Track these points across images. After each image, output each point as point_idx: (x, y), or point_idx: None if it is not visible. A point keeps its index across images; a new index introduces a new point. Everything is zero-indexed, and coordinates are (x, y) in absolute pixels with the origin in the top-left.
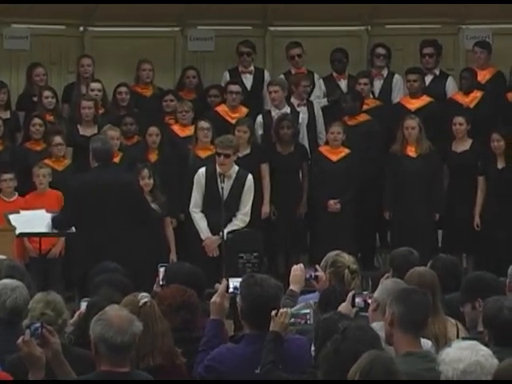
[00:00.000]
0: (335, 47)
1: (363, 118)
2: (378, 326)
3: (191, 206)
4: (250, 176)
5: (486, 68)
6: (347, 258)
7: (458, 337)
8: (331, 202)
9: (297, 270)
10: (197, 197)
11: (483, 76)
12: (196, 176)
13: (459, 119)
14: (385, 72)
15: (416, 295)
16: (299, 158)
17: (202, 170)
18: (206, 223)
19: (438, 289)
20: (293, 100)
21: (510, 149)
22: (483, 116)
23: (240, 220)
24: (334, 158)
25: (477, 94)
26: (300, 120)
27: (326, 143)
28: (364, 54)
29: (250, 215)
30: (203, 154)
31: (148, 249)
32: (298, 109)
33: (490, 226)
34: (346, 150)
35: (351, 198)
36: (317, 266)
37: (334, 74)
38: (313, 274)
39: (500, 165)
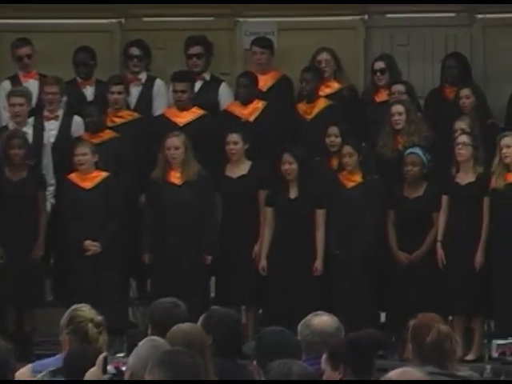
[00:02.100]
0: (80, 45)
1: (108, 134)
2: None
3: None
4: None
5: (268, 72)
6: (88, 311)
7: None
8: (88, 242)
9: None
10: None
11: (265, 82)
12: None
13: (233, 137)
14: (143, 77)
15: (181, 358)
16: (33, 186)
17: None
18: None
19: (209, 349)
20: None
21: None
22: (267, 131)
23: None
24: (87, 184)
25: (257, 105)
26: (45, 139)
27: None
28: (117, 53)
29: None
30: None
31: None
32: (47, 123)
33: (277, 271)
34: (103, 174)
35: (111, 236)
36: None
37: (79, 80)
38: None
39: (293, 194)
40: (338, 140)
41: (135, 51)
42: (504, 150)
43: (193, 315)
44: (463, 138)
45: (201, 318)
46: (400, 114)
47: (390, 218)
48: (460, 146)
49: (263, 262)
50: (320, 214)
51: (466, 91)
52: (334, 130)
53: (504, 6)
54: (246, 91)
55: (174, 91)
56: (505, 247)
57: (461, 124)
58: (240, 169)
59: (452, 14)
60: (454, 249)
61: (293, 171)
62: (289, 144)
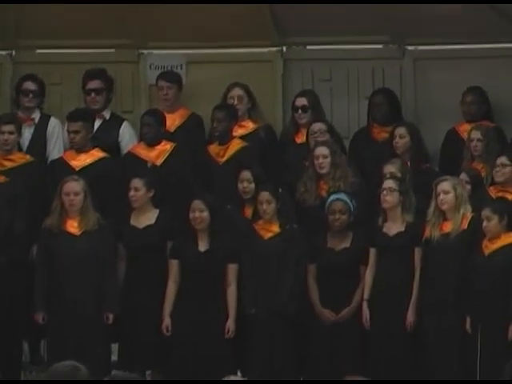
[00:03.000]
0: None
1: None
2: None
3: None
4: None
5: (176, 110)
6: None
7: None
8: None
9: None
10: None
11: (172, 121)
12: None
13: (135, 182)
14: (37, 116)
15: None
16: None
17: None
18: None
19: None
20: None
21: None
22: (175, 176)
23: None
24: None
25: (165, 147)
26: None
27: None
28: (7, 88)
29: None
30: None
31: None
32: None
33: (183, 331)
34: None
35: None
36: None
37: None
38: None
39: (202, 246)
40: (252, 186)
41: (31, 86)
42: (441, 197)
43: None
44: (389, 183)
45: None
46: (325, 156)
47: (311, 271)
48: (385, 192)
49: (167, 321)
50: (232, 269)
51: (401, 130)
52: (246, 174)
53: (437, 36)
54: (152, 131)
55: (67, 131)
56: (436, 305)
57: (390, 168)
58: (146, 218)
59: (379, 46)
60: (382, 307)
61: (203, 220)
62: (199, 190)
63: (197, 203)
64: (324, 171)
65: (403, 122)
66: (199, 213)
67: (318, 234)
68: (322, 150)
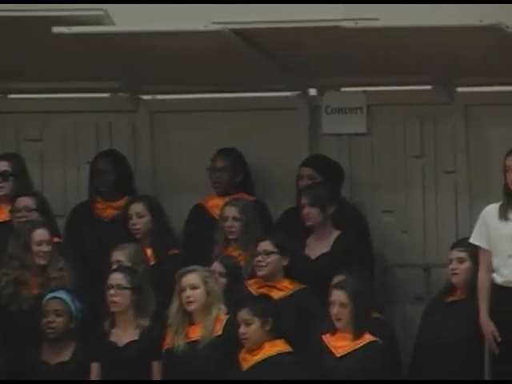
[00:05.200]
0: None
1: None
2: None
3: None
4: None
5: None
6: None
7: None
8: None
9: None
10: None
11: None
12: None
13: None
14: None
15: None
16: None
17: None
18: None
19: None
20: None
21: None
22: None
23: None
24: None
25: None
26: None
27: None
28: None
29: None
30: None
31: None
32: None
33: None
34: None
35: None
36: None
37: None
38: None
39: None
40: None
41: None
42: (187, 293)
43: None
44: (115, 279)
45: None
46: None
47: None
48: (113, 292)
49: None
50: None
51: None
52: None
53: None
54: None
55: None
56: None
57: (118, 255)
58: None
59: (106, 95)
60: None
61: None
62: None
63: None
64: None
65: (139, 197)
66: None
67: None
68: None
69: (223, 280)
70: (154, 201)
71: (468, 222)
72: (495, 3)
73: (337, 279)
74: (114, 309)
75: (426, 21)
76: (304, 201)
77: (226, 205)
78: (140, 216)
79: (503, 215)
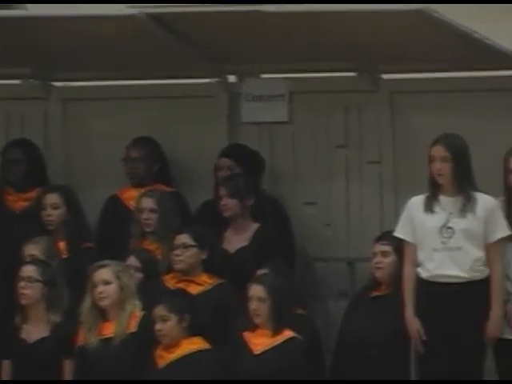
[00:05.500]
0: None
1: None
2: None
3: None
4: None
5: None
6: None
7: None
8: None
9: None
10: None
11: None
12: None
13: None
14: None
15: None
16: None
17: None
18: None
19: None
20: None
21: None
22: None
23: None
24: None
25: None
26: None
27: None
28: None
29: None
30: None
31: None
32: None
33: None
34: None
35: None
36: None
37: None
38: None
39: None
40: None
41: None
42: (100, 289)
43: None
44: (26, 271)
45: None
46: None
47: None
48: (23, 284)
49: None
50: None
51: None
52: None
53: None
54: None
55: None
56: None
57: (32, 249)
58: None
59: (16, 81)
60: None
61: None
62: None
63: None
64: None
65: (55, 187)
66: None
67: None
68: None
69: (139, 275)
70: (70, 191)
71: (393, 215)
72: None
73: (260, 273)
74: (23, 301)
75: (350, 4)
76: (222, 192)
77: (142, 196)
78: (55, 207)
79: (428, 207)
